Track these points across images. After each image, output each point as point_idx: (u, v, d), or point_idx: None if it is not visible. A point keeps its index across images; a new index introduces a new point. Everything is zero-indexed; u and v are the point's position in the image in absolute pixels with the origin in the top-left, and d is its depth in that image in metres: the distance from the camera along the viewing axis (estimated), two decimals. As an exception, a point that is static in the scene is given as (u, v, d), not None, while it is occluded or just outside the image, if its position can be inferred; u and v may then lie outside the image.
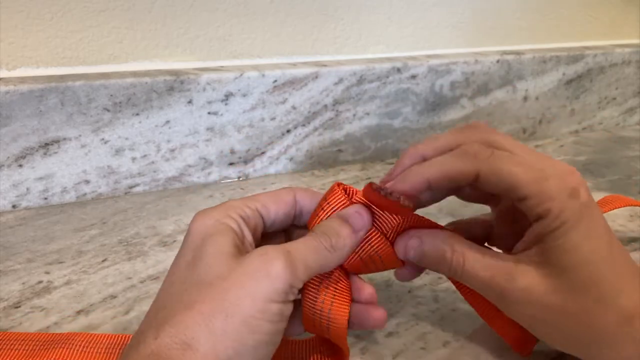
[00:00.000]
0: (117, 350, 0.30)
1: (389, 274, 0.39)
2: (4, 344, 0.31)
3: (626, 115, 0.74)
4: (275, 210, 0.29)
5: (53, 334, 0.32)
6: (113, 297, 0.36)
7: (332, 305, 0.27)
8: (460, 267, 0.28)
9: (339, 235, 0.27)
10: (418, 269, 0.31)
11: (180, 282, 0.25)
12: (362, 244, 0.29)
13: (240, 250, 0.26)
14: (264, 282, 0.24)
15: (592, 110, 0.71)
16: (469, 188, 0.30)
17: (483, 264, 0.28)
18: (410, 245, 0.29)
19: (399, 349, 0.32)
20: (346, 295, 0.28)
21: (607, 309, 0.26)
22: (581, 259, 0.26)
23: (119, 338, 0.31)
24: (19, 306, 0.35)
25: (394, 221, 0.29)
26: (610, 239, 0.27)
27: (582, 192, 0.26)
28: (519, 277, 0.27)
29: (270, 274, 0.24)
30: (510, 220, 0.30)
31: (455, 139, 0.29)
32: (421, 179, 0.28)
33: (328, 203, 0.29)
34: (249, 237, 0.28)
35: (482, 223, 0.33)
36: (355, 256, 0.29)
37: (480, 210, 0.33)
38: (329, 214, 0.29)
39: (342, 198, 0.29)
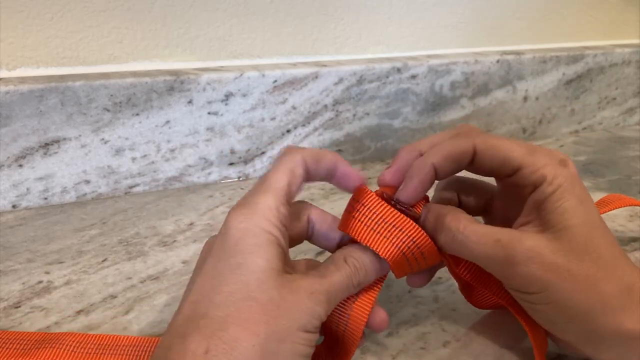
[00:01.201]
0: (108, 351, 0.30)
1: (390, 273, 0.39)
2: None
3: (626, 115, 0.74)
4: (292, 227, 0.30)
5: (45, 333, 0.32)
6: (113, 297, 0.36)
7: (353, 305, 0.28)
8: (460, 233, 0.28)
9: (367, 274, 0.29)
10: (429, 274, 0.32)
11: (226, 290, 0.25)
12: (406, 242, 0.29)
13: (285, 263, 0.27)
14: (308, 317, 0.25)
15: (592, 110, 0.71)
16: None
17: (488, 229, 0.29)
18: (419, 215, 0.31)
19: (399, 349, 0.32)
20: (370, 298, 0.29)
21: (609, 275, 0.27)
22: (580, 219, 0.27)
23: (110, 339, 0.31)
24: (19, 306, 0.35)
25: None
26: (597, 211, 0.29)
27: (570, 163, 0.29)
28: (524, 239, 0.28)
29: (313, 311, 0.25)
30: (513, 196, 0.31)
31: (450, 136, 0.31)
32: (427, 167, 0.29)
33: (390, 224, 0.29)
34: (287, 249, 0.28)
35: (484, 190, 0.34)
36: (400, 254, 0.29)
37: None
38: (369, 218, 0.29)
39: (378, 201, 0.29)
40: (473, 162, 0.30)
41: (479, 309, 0.35)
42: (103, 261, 0.40)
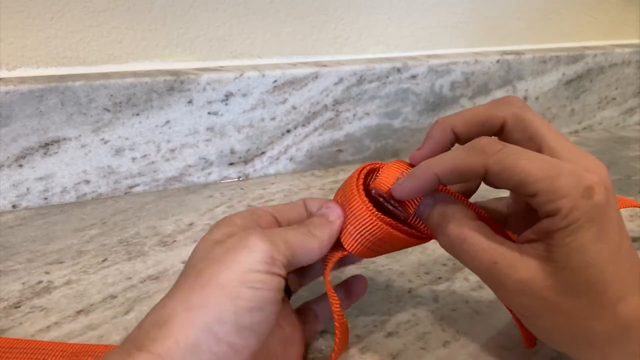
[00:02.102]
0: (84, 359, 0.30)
1: (390, 274, 0.39)
2: (32, 354, 0.30)
3: (626, 115, 0.74)
4: (291, 219, 0.30)
5: (80, 345, 0.31)
6: (113, 297, 0.36)
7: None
8: (459, 245, 0.28)
9: (314, 224, 0.29)
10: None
11: (179, 286, 0.26)
12: (363, 233, 0.29)
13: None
14: (242, 254, 0.25)
15: (592, 110, 0.71)
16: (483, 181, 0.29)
17: (487, 246, 0.27)
18: (425, 202, 0.29)
19: (399, 349, 0.32)
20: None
21: (603, 315, 0.26)
22: (586, 261, 0.25)
23: (85, 347, 0.31)
24: (19, 306, 0.35)
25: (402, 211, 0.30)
26: (620, 241, 0.26)
27: (598, 191, 0.25)
28: (521, 268, 0.26)
29: (247, 246, 0.25)
30: (524, 207, 0.30)
31: (486, 112, 0.29)
32: (430, 174, 0.27)
33: (349, 207, 0.30)
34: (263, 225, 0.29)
35: (502, 204, 0.33)
36: (360, 246, 0.29)
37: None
38: (349, 219, 0.29)
39: (357, 201, 0.29)
40: (487, 180, 0.27)
41: None
42: (103, 261, 0.40)
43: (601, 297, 0.25)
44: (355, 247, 0.29)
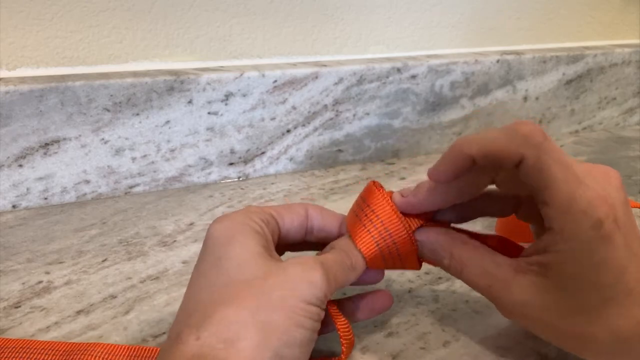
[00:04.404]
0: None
1: (390, 274, 0.39)
2: (23, 353, 0.30)
3: (626, 115, 0.74)
4: (290, 220, 0.30)
5: (72, 343, 0.31)
6: (113, 297, 0.36)
7: (393, 234, 0.29)
8: (457, 273, 0.29)
9: (356, 259, 0.29)
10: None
11: (209, 284, 0.25)
12: (385, 239, 0.29)
13: (268, 251, 0.27)
14: (306, 287, 0.25)
15: (592, 110, 0.71)
16: (506, 178, 0.28)
17: (481, 271, 0.28)
18: (419, 240, 0.30)
19: (399, 349, 0.32)
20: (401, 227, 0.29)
21: (603, 333, 0.25)
22: (583, 285, 0.25)
23: (139, 350, 0.31)
24: (19, 306, 0.35)
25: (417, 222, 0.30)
26: (625, 262, 0.25)
27: (608, 223, 0.24)
28: (515, 290, 0.26)
29: (311, 281, 0.25)
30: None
31: (505, 145, 0.26)
32: (464, 155, 0.26)
33: (372, 211, 0.30)
34: (271, 240, 0.28)
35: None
36: (376, 249, 0.29)
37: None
38: (374, 222, 0.29)
39: (386, 206, 0.30)
40: (516, 169, 0.26)
41: None
42: (103, 261, 0.40)
43: (597, 319, 0.25)
44: (372, 249, 0.29)
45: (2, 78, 0.44)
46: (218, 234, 0.27)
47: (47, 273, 0.38)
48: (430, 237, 0.30)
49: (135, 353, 0.31)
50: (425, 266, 0.36)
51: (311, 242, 0.32)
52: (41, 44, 0.45)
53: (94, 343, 0.31)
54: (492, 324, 0.34)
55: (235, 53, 0.52)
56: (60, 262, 0.40)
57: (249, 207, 0.29)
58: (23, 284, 0.37)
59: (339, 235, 0.31)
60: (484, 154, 0.25)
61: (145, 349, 0.31)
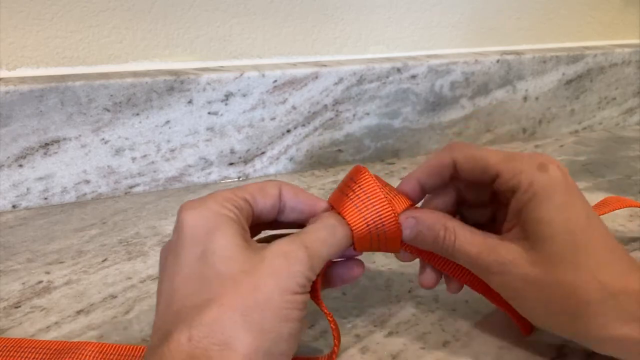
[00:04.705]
0: None
1: (390, 273, 0.39)
2: (14, 352, 0.30)
3: (626, 115, 0.74)
4: (263, 202, 0.29)
5: (64, 342, 0.31)
6: (113, 297, 0.36)
7: (383, 219, 0.30)
8: (451, 245, 0.30)
9: (341, 233, 0.29)
10: (439, 275, 0.33)
11: (194, 277, 0.25)
12: (373, 217, 0.30)
13: (247, 241, 0.26)
14: (288, 278, 0.25)
15: (592, 110, 0.71)
16: (461, 184, 0.32)
17: (471, 240, 0.29)
18: (407, 224, 0.30)
19: (399, 349, 0.32)
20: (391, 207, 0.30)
21: (589, 283, 0.27)
22: (557, 229, 0.27)
23: (131, 349, 0.31)
24: (19, 306, 0.35)
25: (404, 205, 0.31)
26: (587, 212, 0.28)
27: (552, 167, 0.28)
28: (502, 252, 0.28)
29: (296, 271, 0.25)
30: (501, 200, 0.32)
31: (435, 159, 0.32)
32: (411, 182, 0.31)
33: (362, 190, 0.30)
34: (246, 228, 0.28)
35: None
36: (365, 227, 0.29)
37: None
38: (363, 200, 0.30)
39: (376, 187, 0.30)
40: (458, 172, 0.31)
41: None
42: (103, 261, 0.40)
43: (579, 266, 0.27)
44: (361, 227, 0.29)
45: (2, 78, 0.44)
46: (194, 223, 0.26)
47: (47, 273, 0.38)
48: (426, 213, 0.31)
49: (125, 352, 0.31)
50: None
51: (283, 222, 0.31)
52: (41, 44, 0.45)
53: (85, 342, 0.31)
54: (492, 324, 0.34)
55: (235, 53, 0.52)
56: (61, 262, 0.40)
57: (220, 192, 0.28)
58: (23, 284, 0.37)
59: (312, 216, 0.30)
60: (427, 173, 0.31)
61: (136, 348, 0.31)
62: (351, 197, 0.30)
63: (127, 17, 0.47)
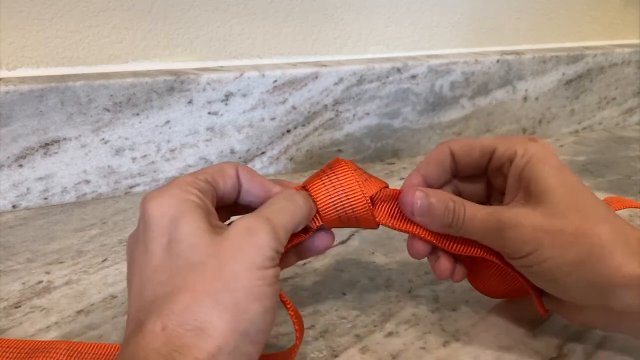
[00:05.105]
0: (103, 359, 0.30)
1: (390, 273, 0.39)
2: None
3: (626, 115, 0.74)
4: (223, 182, 0.29)
5: (37, 341, 0.31)
6: (113, 297, 0.36)
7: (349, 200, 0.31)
8: (462, 214, 0.30)
9: (304, 199, 0.30)
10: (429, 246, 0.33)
11: (163, 267, 0.25)
12: (342, 201, 0.30)
13: (213, 224, 0.26)
14: (254, 253, 0.25)
15: (592, 110, 0.71)
16: (458, 181, 0.34)
17: (480, 208, 0.30)
18: (417, 196, 0.31)
19: (399, 349, 0.32)
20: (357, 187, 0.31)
21: (597, 226, 0.28)
22: (558, 182, 0.29)
23: (105, 348, 0.31)
24: (19, 306, 0.35)
25: (377, 187, 0.32)
26: (577, 178, 0.30)
27: (541, 140, 0.31)
28: (511, 210, 0.29)
29: (260, 245, 0.25)
30: (500, 182, 0.33)
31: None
32: (415, 174, 0.33)
33: (333, 172, 0.31)
34: (212, 210, 0.28)
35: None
36: (333, 211, 0.30)
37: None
38: (330, 177, 0.31)
39: (348, 171, 0.31)
40: (456, 162, 0.32)
41: (487, 295, 0.35)
42: (103, 261, 0.40)
43: (584, 214, 0.28)
44: (322, 194, 0.30)
45: (2, 78, 0.44)
46: (158, 213, 0.26)
47: (47, 273, 0.38)
48: (430, 191, 0.31)
49: (99, 351, 0.30)
50: (426, 267, 0.36)
51: (241, 205, 0.31)
52: (41, 44, 0.45)
53: (58, 341, 0.31)
54: (492, 324, 0.34)
55: (235, 53, 0.52)
56: (61, 262, 0.40)
57: (181, 178, 0.28)
58: (23, 284, 0.37)
59: (267, 199, 0.30)
60: (425, 165, 0.33)
61: (109, 346, 0.31)
62: (323, 179, 0.31)
63: (127, 17, 0.47)
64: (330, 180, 0.31)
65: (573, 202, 0.28)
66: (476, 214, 0.30)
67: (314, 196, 0.30)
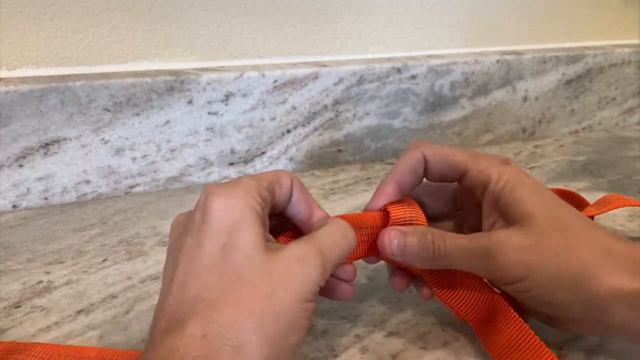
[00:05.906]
0: None
1: (389, 274, 0.39)
2: None
3: (626, 115, 0.74)
4: (279, 192, 0.29)
5: (14, 343, 0.31)
6: (113, 297, 0.36)
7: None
8: (442, 245, 0.30)
9: (347, 237, 0.29)
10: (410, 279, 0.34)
11: (214, 268, 0.25)
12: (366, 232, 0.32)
13: (267, 239, 0.26)
14: (303, 285, 0.25)
15: (592, 110, 0.71)
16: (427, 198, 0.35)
17: (460, 237, 0.30)
18: (394, 236, 0.30)
19: (399, 349, 0.32)
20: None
21: (584, 242, 0.28)
22: (537, 204, 0.29)
23: (77, 350, 0.30)
24: (20, 306, 0.35)
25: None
26: (554, 196, 0.30)
27: (513, 163, 0.31)
28: (496, 233, 0.29)
29: (308, 279, 0.25)
30: (471, 202, 0.33)
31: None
32: (388, 181, 0.32)
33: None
34: (267, 221, 0.28)
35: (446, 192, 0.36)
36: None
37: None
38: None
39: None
40: (427, 169, 0.32)
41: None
42: (103, 261, 0.40)
43: (566, 232, 0.28)
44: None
45: (2, 78, 0.44)
46: (222, 211, 0.26)
47: (48, 273, 0.38)
48: (407, 229, 0.31)
49: (73, 353, 0.30)
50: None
51: (285, 215, 0.31)
52: (41, 44, 0.45)
53: (33, 343, 0.31)
54: (492, 324, 0.34)
55: (235, 53, 0.52)
56: (61, 262, 0.40)
57: (244, 181, 0.27)
58: (23, 284, 0.37)
59: (308, 220, 0.30)
60: (400, 172, 0.33)
61: (83, 349, 0.31)
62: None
63: (127, 17, 0.47)
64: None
65: (555, 222, 0.29)
66: (457, 242, 0.30)
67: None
